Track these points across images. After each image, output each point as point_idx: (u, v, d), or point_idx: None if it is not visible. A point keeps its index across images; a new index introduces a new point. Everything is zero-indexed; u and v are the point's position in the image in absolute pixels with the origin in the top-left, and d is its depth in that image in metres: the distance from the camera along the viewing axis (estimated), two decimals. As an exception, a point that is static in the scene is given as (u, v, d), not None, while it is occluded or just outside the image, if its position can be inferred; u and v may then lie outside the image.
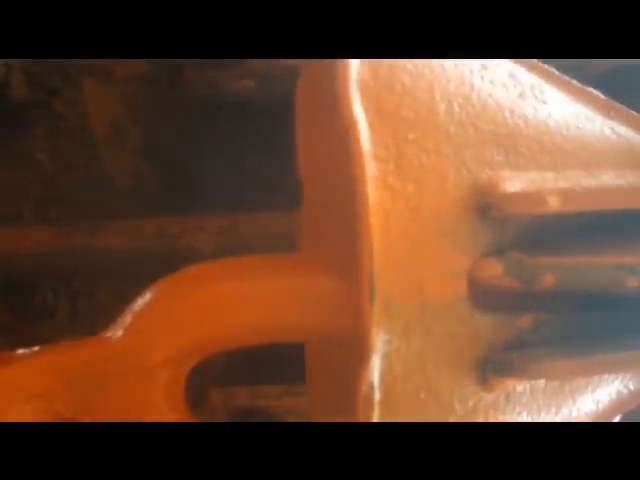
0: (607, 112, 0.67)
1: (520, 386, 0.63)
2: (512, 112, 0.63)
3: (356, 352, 0.58)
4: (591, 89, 0.69)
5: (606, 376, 0.66)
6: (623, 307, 0.63)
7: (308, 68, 0.68)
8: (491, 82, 0.64)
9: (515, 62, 0.66)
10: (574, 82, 0.68)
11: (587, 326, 0.63)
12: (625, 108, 0.68)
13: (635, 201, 0.61)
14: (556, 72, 0.68)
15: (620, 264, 0.61)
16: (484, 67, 0.64)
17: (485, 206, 0.59)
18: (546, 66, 0.68)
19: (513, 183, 0.60)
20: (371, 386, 0.58)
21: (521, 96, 0.64)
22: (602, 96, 0.68)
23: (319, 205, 0.68)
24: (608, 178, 0.63)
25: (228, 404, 1.05)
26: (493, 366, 0.60)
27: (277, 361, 0.93)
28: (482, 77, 0.64)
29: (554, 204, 0.59)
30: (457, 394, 0.61)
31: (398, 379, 0.59)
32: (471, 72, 0.64)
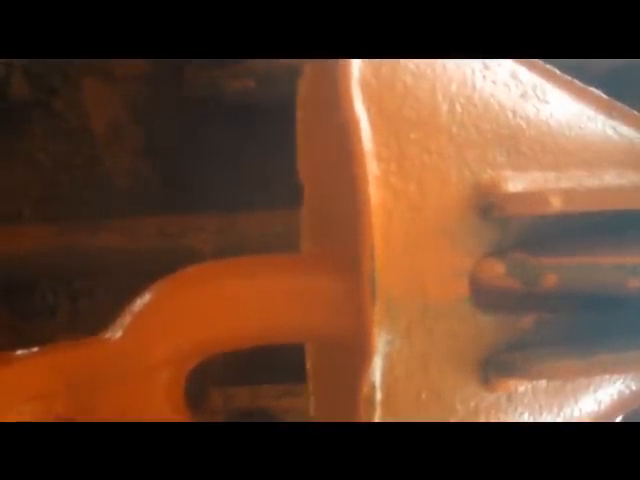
0: (609, 112, 0.67)
1: (522, 386, 0.62)
2: (514, 112, 0.63)
3: (358, 352, 0.58)
4: (593, 89, 0.69)
5: (608, 376, 0.66)
6: (624, 307, 0.62)
7: (309, 67, 0.68)
8: (493, 82, 0.64)
9: (517, 62, 0.66)
10: (576, 82, 0.68)
11: (589, 326, 0.63)
12: (627, 108, 0.68)
13: (637, 201, 0.61)
14: (558, 72, 0.68)
15: (622, 264, 0.61)
16: (486, 67, 0.64)
17: (487, 206, 0.59)
18: (548, 66, 0.68)
19: (515, 183, 0.60)
20: (373, 386, 0.58)
21: (523, 96, 0.64)
22: (604, 96, 0.68)
23: (320, 205, 0.68)
24: (610, 178, 0.62)
25: (228, 404, 1.05)
26: (495, 366, 0.60)
27: (277, 361, 0.93)
28: (484, 77, 0.64)
29: (556, 204, 0.59)
30: (459, 394, 0.61)
31: (400, 379, 0.58)
32: (473, 72, 0.64)
